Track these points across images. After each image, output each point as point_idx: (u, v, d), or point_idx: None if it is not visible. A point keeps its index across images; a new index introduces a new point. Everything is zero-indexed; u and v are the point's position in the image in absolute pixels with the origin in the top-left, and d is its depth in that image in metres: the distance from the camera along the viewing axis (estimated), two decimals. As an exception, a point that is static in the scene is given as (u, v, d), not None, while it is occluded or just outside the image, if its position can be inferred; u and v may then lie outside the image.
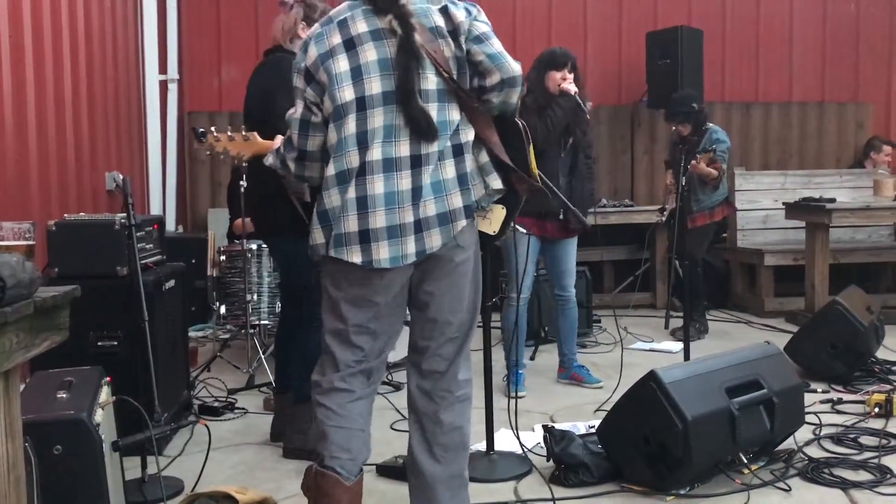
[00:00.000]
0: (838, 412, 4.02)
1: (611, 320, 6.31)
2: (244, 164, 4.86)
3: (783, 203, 6.64)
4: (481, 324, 3.47)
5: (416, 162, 2.32)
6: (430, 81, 2.33)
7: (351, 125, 2.32)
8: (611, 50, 7.83)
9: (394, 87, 2.30)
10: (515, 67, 2.36)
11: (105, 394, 2.64)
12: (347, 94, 2.32)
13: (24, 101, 4.12)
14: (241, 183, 4.71)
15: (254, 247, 5.00)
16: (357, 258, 2.31)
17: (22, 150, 4.10)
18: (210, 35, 7.27)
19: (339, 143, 2.34)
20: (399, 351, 4.78)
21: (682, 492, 3.04)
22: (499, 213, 2.47)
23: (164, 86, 6.72)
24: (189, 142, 7.20)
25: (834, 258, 6.37)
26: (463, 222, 2.35)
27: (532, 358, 5.27)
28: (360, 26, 2.36)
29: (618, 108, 7.89)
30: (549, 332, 5.56)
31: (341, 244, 2.32)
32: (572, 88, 4.40)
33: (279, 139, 2.78)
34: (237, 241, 5.09)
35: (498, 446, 3.45)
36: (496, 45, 2.38)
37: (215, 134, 3.06)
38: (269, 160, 2.57)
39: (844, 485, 3.10)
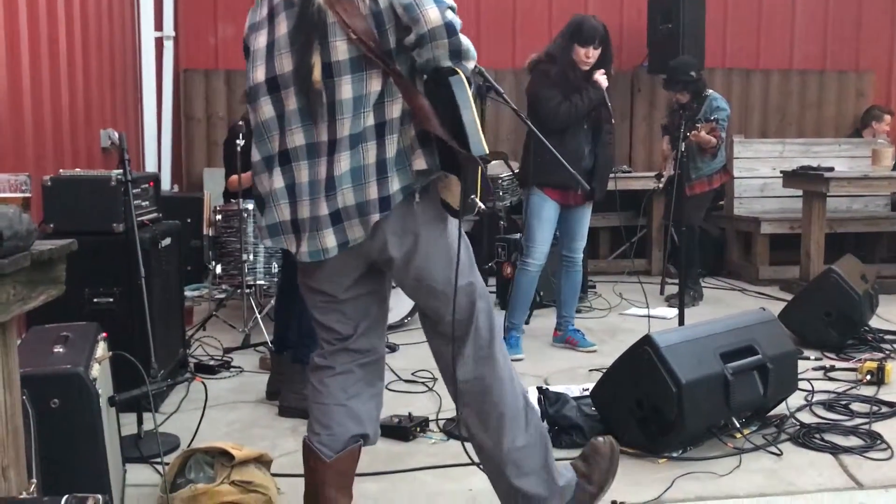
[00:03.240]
0: (831, 379, 4.05)
1: (606, 286, 6.35)
2: (240, 123, 4.84)
3: (781, 171, 6.63)
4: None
5: (333, 148, 2.09)
6: (340, 51, 2.04)
7: (267, 108, 2.15)
8: (612, 14, 7.70)
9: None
10: (432, 16, 1.97)
11: (101, 349, 2.64)
12: (259, 74, 2.16)
13: (17, 57, 4.06)
14: (238, 141, 4.70)
15: (250, 206, 4.97)
16: (292, 247, 2.21)
17: (16, 107, 4.04)
18: (206, -9, 7.18)
19: (258, 126, 2.20)
20: (396, 311, 4.86)
21: (674, 455, 3.07)
22: (454, 186, 2.06)
23: (159, 43, 6.63)
24: (185, 100, 7.13)
25: (830, 227, 6.38)
26: (376, 216, 2.09)
27: (527, 322, 5.28)
28: None
29: (617, 73, 7.72)
30: (543, 296, 5.57)
31: (277, 233, 2.22)
32: (604, 83, 4.37)
33: None
34: (233, 201, 5.07)
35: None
36: None
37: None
38: None
39: (835, 450, 3.13)
